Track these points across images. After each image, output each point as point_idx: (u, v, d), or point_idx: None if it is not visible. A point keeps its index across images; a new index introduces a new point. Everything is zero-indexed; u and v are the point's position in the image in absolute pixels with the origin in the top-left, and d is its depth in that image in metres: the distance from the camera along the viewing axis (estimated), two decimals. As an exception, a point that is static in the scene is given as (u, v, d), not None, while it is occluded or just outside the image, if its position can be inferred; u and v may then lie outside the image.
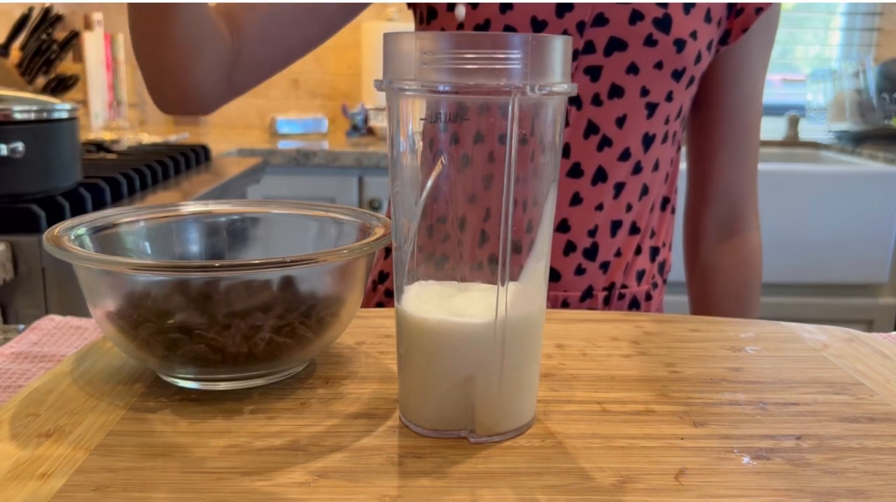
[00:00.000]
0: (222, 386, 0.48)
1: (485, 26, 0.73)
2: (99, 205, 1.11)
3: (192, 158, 1.59)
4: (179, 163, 1.50)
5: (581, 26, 0.73)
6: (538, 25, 0.73)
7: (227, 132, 2.31)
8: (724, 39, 0.79)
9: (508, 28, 0.73)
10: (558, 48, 0.38)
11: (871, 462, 0.40)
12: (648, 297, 0.83)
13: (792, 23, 2.55)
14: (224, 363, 0.46)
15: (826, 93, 2.43)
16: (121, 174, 1.22)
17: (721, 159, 0.85)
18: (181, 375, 0.47)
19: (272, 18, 0.75)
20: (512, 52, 0.37)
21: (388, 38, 0.39)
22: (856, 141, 2.31)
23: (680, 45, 0.73)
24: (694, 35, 0.74)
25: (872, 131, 2.31)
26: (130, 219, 0.55)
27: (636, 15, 0.72)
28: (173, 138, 1.94)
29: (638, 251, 0.81)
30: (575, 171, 0.76)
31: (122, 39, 2.30)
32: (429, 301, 0.42)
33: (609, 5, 0.73)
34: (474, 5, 0.73)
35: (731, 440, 0.42)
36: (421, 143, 0.40)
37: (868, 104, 2.31)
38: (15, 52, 1.67)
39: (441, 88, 0.37)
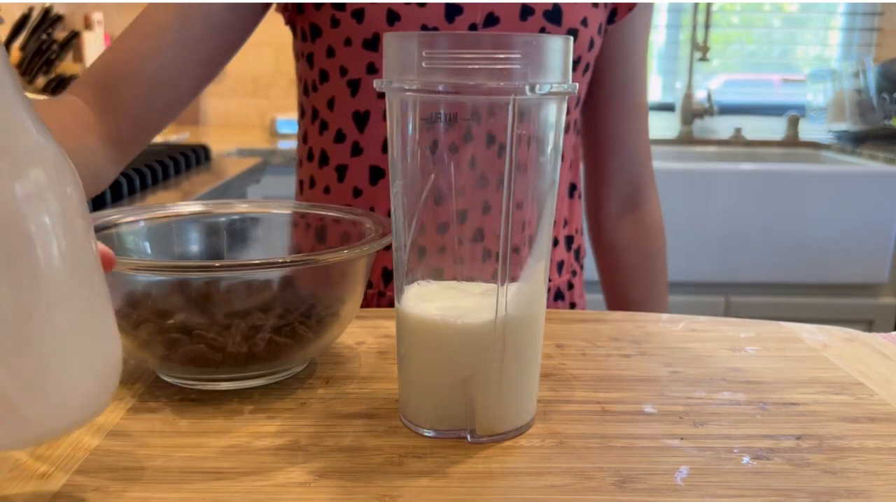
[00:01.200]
0: (222, 386, 0.48)
1: (374, 40, 0.71)
2: (99, 205, 1.11)
3: (192, 158, 1.59)
4: (179, 163, 1.50)
5: (473, 29, 0.72)
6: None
7: (227, 132, 2.31)
8: (611, 18, 0.80)
9: None
10: (558, 48, 0.38)
11: (871, 462, 0.40)
12: (570, 286, 0.84)
13: (792, 23, 2.55)
14: (224, 363, 0.46)
15: (826, 93, 2.43)
16: (121, 174, 1.22)
17: (617, 136, 0.86)
18: (181, 375, 0.47)
19: (156, 87, 0.69)
20: (512, 52, 0.37)
21: (388, 38, 0.39)
22: (856, 141, 2.31)
23: (573, 34, 0.73)
24: (584, 22, 0.74)
25: (872, 131, 2.30)
26: (130, 219, 0.55)
27: (527, 10, 0.72)
28: (173, 138, 1.94)
29: (555, 243, 0.81)
30: (482, 181, 0.75)
31: (122, 39, 2.29)
32: (429, 301, 0.42)
33: (499, 4, 0.72)
34: (359, 19, 0.71)
35: (731, 440, 0.42)
36: (421, 143, 0.40)
37: (868, 104, 2.31)
38: (15, 53, 1.67)
39: (441, 88, 0.37)
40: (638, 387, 0.49)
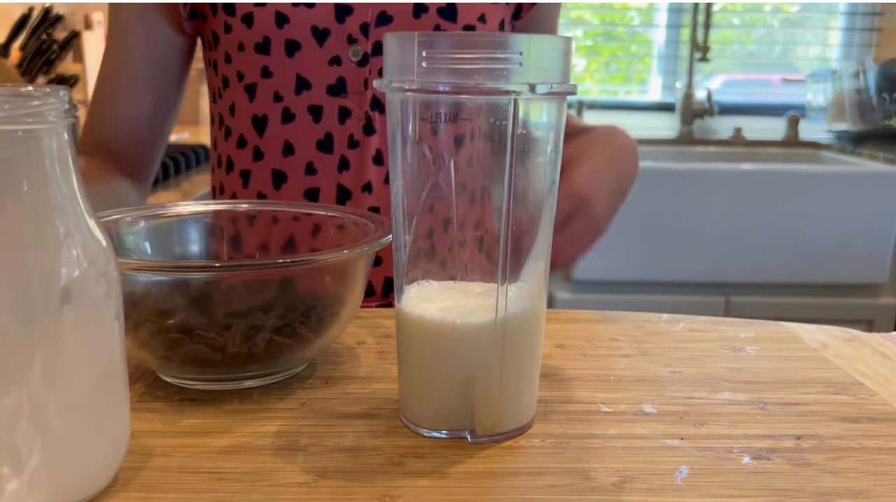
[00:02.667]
0: (222, 386, 0.48)
1: (265, 44, 0.71)
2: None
3: (192, 158, 1.59)
4: (179, 163, 1.51)
5: (365, 28, 0.71)
6: (320, 34, 0.70)
7: (227, 132, 2.30)
8: (518, 14, 0.79)
9: (290, 42, 0.71)
10: (558, 48, 0.38)
11: (871, 462, 0.40)
12: None
13: (792, 23, 2.55)
14: (224, 363, 0.46)
15: (826, 93, 2.43)
16: (121, 174, 1.21)
17: None
18: (181, 375, 0.47)
19: (133, 129, 0.79)
20: (511, 53, 0.37)
21: (388, 38, 0.39)
22: (856, 141, 2.31)
23: (469, 31, 0.73)
24: (483, 18, 0.73)
25: (872, 131, 2.30)
26: (130, 218, 0.55)
27: (420, 8, 0.71)
28: (173, 138, 1.94)
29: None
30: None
31: (122, 39, 2.29)
32: (429, 301, 0.42)
33: (391, 3, 0.71)
34: (249, 24, 0.71)
35: (731, 440, 0.42)
36: (421, 143, 0.40)
37: (868, 104, 2.31)
38: (15, 52, 1.67)
39: (441, 88, 0.37)
40: (638, 387, 0.49)
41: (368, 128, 0.73)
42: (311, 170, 0.73)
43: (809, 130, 2.43)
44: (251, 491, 0.37)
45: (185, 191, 1.42)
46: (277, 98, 0.72)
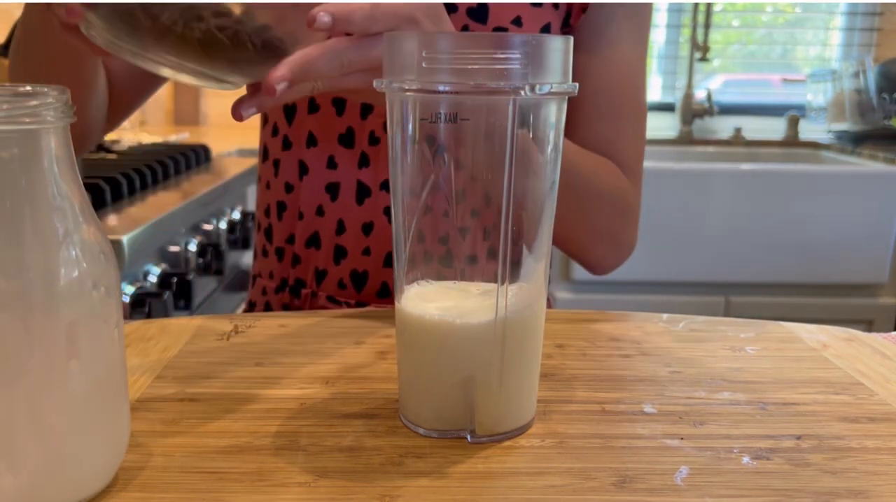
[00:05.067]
0: (161, 70, 0.46)
1: None
2: (99, 205, 1.11)
3: (192, 158, 1.59)
4: (179, 163, 1.50)
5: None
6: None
7: (227, 132, 2.31)
8: (567, 20, 0.74)
9: None
10: (558, 48, 0.38)
11: (871, 462, 0.40)
12: None
13: (792, 23, 2.55)
14: (153, 32, 0.44)
15: (826, 93, 2.43)
16: (121, 174, 1.22)
17: (581, 117, 0.76)
18: (107, 35, 0.45)
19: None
20: (512, 53, 0.37)
21: (388, 38, 0.39)
22: (856, 141, 2.31)
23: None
24: (518, 21, 0.71)
25: (872, 131, 2.30)
26: None
27: (450, 7, 0.69)
28: (173, 138, 1.94)
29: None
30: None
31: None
32: (428, 300, 0.42)
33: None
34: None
35: (731, 440, 0.42)
36: (421, 143, 0.40)
37: (868, 104, 2.31)
38: (15, 52, 1.67)
39: (441, 88, 0.37)
40: (638, 387, 0.49)
41: None
42: (332, 163, 0.73)
43: (809, 130, 2.43)
44: (251, 491, 0.37)
45: (185, 191, 1.42)
46: None
